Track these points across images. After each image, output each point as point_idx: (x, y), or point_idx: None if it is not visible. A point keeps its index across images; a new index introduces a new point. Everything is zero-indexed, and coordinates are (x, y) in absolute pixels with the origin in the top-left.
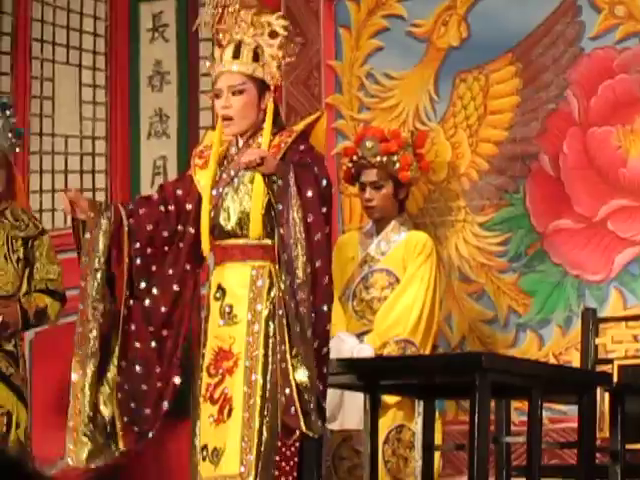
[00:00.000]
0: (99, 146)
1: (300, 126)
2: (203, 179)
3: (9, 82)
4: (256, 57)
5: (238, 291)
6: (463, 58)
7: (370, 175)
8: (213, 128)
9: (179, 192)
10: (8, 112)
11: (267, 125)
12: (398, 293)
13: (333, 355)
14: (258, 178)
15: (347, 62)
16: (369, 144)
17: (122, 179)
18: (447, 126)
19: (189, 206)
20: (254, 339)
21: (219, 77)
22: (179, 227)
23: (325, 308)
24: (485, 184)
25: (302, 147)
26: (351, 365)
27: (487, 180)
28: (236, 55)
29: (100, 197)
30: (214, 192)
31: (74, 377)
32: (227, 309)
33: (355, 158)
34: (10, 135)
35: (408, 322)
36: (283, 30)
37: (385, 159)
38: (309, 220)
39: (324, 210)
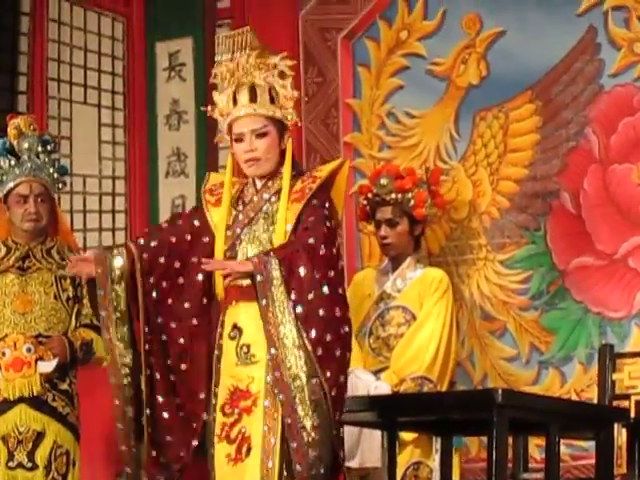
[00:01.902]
0: (119, 186)
1: (324, 173)
2: (215, 217)
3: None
4: (272, 99)
5: (255, 331)
6: (483, 96)
7: (385, 212)
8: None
9: (196, 223)
10: (49, 147)
11: (287, 166)
12: (414, 330)
13: (349, 392)
14: (280, 218)
15: (366, 100)
16: (384, 181)
17: (141, 218)
18: (468, 164)
19: (206, 239)
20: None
21: (237, 121)
22: (193, 259)
23: (342, 379)
24: (506, 222)
25: (315, 202)
26: (368, 402)
27: (508, 218)
28: (253, 98)
29: (120, 236)
30: (229, 232)
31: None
32: (244, 349)
33: (370, 196)
34: (52, 170)
35: (425, 359)
36: (289, 70)
37: (400, 196)
38: (312, 298)
39: (331, 274)
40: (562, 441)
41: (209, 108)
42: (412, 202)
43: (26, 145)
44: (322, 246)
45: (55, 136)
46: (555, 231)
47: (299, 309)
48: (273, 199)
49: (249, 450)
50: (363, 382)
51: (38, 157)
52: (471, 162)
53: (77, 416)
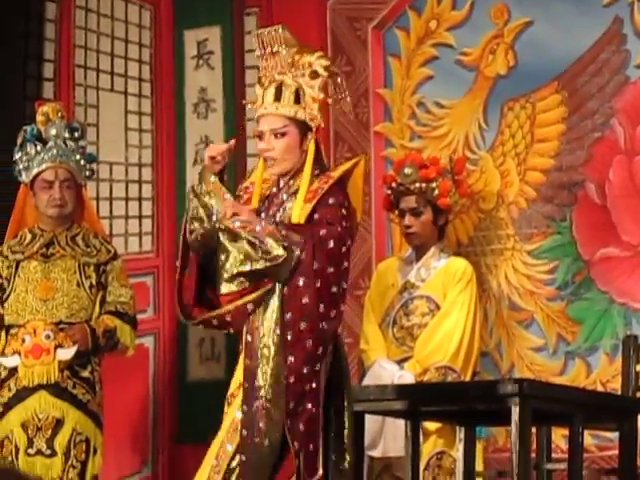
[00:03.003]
0: (145, 173)
1: (338, 172)
2: None
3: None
4: (297, 99)
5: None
6: (510, 86)
7: (409, 202)
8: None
9: None
10: (76, 134)
11: (307, 168)
12: (438, 320)
13: (373, 382)
14: (293, 218)
15: (397, 90)
16: (408, 171)
17: (169, 206)
18: (496, 154)
19: None
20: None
21: (260, 119)
22: None
23: (306, 370)
24: (533, 212)
25: (331, 200)
26: (392, 391)
27: (535, 208)
28: (277, 97)
29: (146, 224)
30: None
31: None
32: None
33: (394, 185)
34: (79, 157)
35: (449, 349)
36: (324, 70)
37: (424, 185)
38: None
39: (331, 270)
40: (588, 432)
41: (248, 102)
42: (436, 191)
43: (53, 132)
44: (332, 241)
45: (82, 123)
46: (580, 222)
47: (285, 289)
48: (292, 199)
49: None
50: (387, 372)
51: (65, 144)
52: (499, 152)
53: (99, 404)
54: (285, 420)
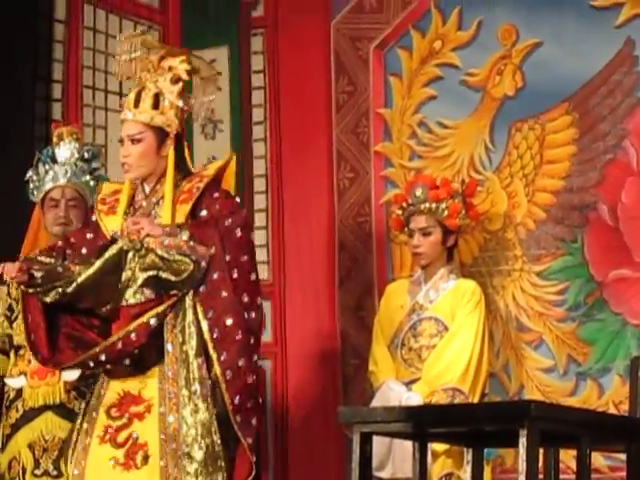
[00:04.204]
0: None
1: (211, 171)
2: (111, 225)
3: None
4: (156, 104)
5: None
6: (518, 107)
7: (419, 222)
8: (266, 176)
9: (89, 235)
10: (87, 155)
11: (169, 173)
12: (447, 341)
13: (382, 403)
14: (164, 221)
15: (397, 110)
16: (419, 191)
17: None
18: (503, 175)
19: (100, 242)
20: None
21: (122, 125)
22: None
23: (242, 362)
24: (542, 233)
25: (216, 194)
26: (400, 413)
27: (544, 229)
28: (136, 103)
29: None
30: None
31: None
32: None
33: (405, 205)
34: (88, 178)
35: (457, 370)
36: (186, 75)
37: (434, 206)
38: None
39: (245, 258)
40: (600, 452)
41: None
42: (446, 212)
43: (64, 152)
44: (238, 229)
45: (96, 145)
46: (592, 243)
47: (202, 288)
48: (160, 203)
49: (146, 458)
50: (395, 393)
51: (75, 165)
52: (506, 173)
53: None
54: (234, 417)
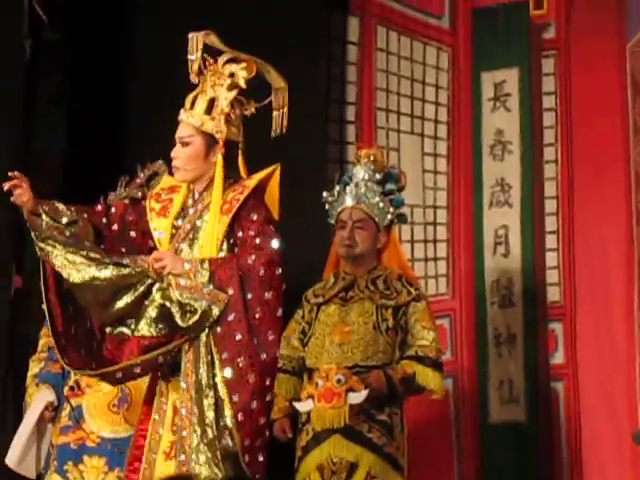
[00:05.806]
0: (440, 215)
1: (253, 182)
2: (159, 227)
3: (354, 151)
4: (209, 109)
5: None
6: None
7: None
8: (557, 198)
9: (129, 218)
10: (378, 177)
11: (217, 181)
12: None
13: None
14: (210, 232)
15: None
16: None
17: (465, 248)
18: None
19: (132, 233)
20: None
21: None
22: (122, 249)
23: (255, 405)
24: None
25: (255, 216)
26: None
27: None
28: (192, 106)
29: (441, 266)
30: (171, 247)
31: None
32: None
33: None
34: (378, 200)
35: None
36: (244, 83)
37: None
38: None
39: (268, 295)
40: None
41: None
42: None
43: (358, 174)
44: (262, 268)
45: (395, 168)
46: None
47: (218, 329)
48: (207, 211)
49: None
50: None
51: (366, 185)
52: None
53: (398, 447)
54: (242, 457)
